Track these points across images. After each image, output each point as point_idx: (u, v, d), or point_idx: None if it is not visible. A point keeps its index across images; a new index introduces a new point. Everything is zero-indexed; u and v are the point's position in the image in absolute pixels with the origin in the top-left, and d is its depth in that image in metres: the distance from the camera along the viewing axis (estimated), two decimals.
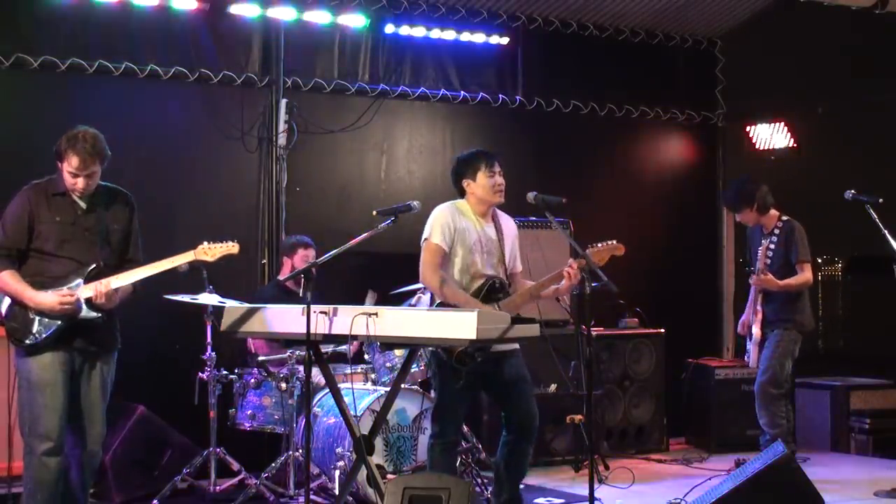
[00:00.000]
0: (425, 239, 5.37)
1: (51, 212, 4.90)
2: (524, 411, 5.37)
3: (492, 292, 5.35)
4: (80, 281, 4.88)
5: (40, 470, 4.82)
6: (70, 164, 4.83)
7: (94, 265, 4.92)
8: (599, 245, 5.44)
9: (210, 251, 5.10)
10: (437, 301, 5.35)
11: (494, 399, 5.42)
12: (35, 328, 4.84)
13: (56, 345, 4.86)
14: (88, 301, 4.86)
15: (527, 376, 5.47)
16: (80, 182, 4.86)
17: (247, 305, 5.52)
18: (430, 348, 5.35)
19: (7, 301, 4.95)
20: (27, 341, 4.84)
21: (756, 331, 7.00)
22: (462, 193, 5.51)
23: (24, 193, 4.96)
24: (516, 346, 5.39)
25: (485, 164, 5.42)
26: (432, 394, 6.61)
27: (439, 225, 5.35)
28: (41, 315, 4.83)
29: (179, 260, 5.05)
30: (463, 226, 5.38)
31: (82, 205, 4.95)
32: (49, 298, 4.81)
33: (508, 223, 5.60)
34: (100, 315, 4.91)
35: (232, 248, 5.16)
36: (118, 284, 4.91)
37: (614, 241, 5.46)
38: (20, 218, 4.90)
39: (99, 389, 4.98)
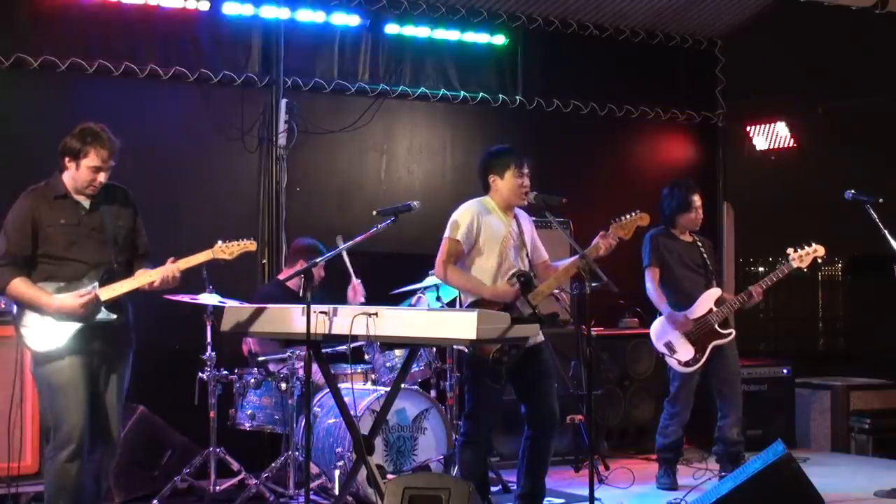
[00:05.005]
0: (446, 236, 5.38)
1: (54, 215, 4.85)
2: (545, 409, 5.42)
3: (519, 286, 5.36)
4: (95, 283, 4.84)
5: (62, 475, 4.77)
6: (98, 157, 4.80)
7: (105, 266, 4.88)
8: (624, 217, 5.45)
9: (227, 250, 5.07)
10: (469, 300, 5.36)
11: (518, 393, 5.44)
12: (53, 333, 4.78)
13: (74, 348, 4.80)
14: (105, 303, 4.83)
15: (552, 372, 5.51)
16: (102, 176, 4.85)
17: (247, 305, 5.52)
18: (465, 352, 5.38)
19: (15, 307, 4.90)
20: (45, 347, 4.78)
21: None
22: (486, 188, 5.51)
23: (24, 200, 4.90)
24: (542, 338, 5.42)
25: (514, 164, 5.41)
26: (432, 393, 6.65)
27: (464, 223, 5.36)
28: (59, 319, 4.78)
29: (197, 259, 5.01)
30: (490, 223, 5.40)
31: (85, 205, 4.92)
32: (69, 301, 4.77)
33: (525, 217, 5.62)
34: (116, 317, 4.88)
35: (249, 245, 5.12)
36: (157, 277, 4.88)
37: (638, 212, 5.47)
38: (23, 225, 4.83)
39: (116, 391, 4.96)
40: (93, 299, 4.79)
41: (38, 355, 4.83)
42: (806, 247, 6.74)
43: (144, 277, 4.89)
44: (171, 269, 4.88)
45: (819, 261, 6.90)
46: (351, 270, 6.66)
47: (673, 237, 7.03)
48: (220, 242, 5.07)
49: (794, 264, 6.78)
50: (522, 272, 5.40)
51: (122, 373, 4.99)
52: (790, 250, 6.77)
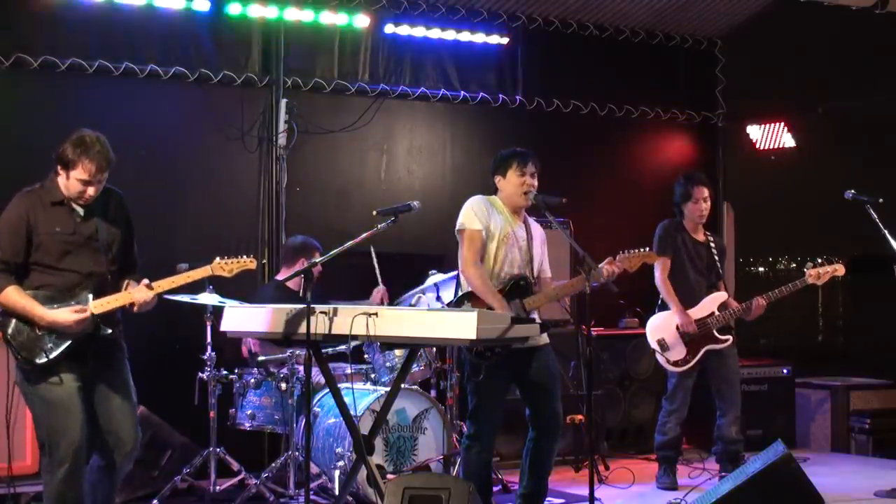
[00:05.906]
0: (461, 229, 5.41)
1: (49, 222, 4.68)
2: (550, 411, 5.43)
3: (516, 289, 5.38)
4: (89, 296, 4.70)
5: (59, 493, 4.65)
6: (85, 171, 4.62)
7: (98, 277, 4.75)
8: (633, 251, 5.50)
9: (227, 266, 4.98)
10: (464, 291, 5.38)
11: (522, 395, 5.46)
12: (46, 346, 4.63)
13: (68, 362, 4.66)
14: (100, 317, 4.71)
15: (556, 373, 5.52)
16: (91, 190, 4.68)
17: (247, 305, 5.52)
18: (463, 353, 5.40)
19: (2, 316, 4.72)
20: (38, 360, 4.62)
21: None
22: (495, 190, 5.57)
23: (19, 204, 4.72)
24: (546, 340, 5.42)
25: (516, 164, 5.46)
26: (432, 393, 6.65)
27: (474, 213, 5.40)
28: (51, 332, 4.63)
29: (196, 275, 4.91)
30: (495, 218, 5.43)
31: (80, 212, 4.75)
32: (63, 315, 4.62)
33: (537, 228, 5.65)
34: (111, 331, 4.76)
35: (249, 263, 5.04)
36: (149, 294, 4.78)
37: (647, 249, 5.51)
38: (16, 230, 4.66)
39: (122, 398, 4.80)
40: (88, 316, 4.66)
41: (27, 370, 4.67)
42: (826, 265, 6.66)
43: (126, 297, 4.76)
44: (144, 294, 4.76)
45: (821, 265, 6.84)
46: (379, 275, 6.70)
47: (685, 231, 6.97)
48: (218, 259, 4.98)
49: (810, 281, 6.70)
50: (523, 276, 5.42)
51: (125, 380, 4.85)
52: (809, 265, 6.68)
